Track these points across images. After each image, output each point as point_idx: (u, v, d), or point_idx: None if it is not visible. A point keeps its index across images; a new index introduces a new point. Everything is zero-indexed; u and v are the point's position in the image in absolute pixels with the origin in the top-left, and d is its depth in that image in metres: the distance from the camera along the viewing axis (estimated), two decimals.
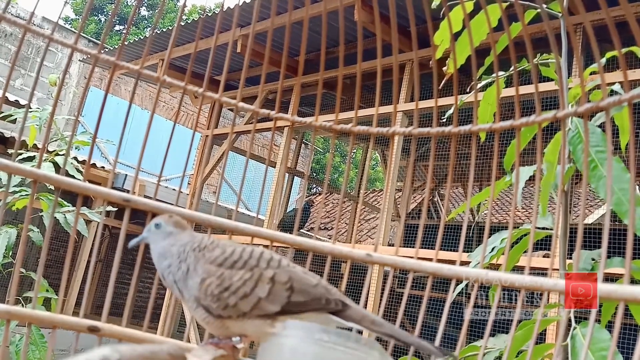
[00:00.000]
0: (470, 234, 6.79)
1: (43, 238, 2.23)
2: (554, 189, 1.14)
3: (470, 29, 0.87)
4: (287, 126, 5.63)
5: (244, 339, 0.74)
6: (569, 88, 1.19)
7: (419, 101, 1.01)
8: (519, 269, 1.03)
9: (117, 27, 18.08)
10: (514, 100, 0.84)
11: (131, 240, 0.83)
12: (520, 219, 8.63)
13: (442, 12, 0.96)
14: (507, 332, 0.81)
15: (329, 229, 10.60)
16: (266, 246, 0.97)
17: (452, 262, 0.82)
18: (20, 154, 2.18)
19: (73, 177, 2.01)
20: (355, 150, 13.72)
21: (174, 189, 8.42)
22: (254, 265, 0.71)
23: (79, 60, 9.73)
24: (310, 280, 0.72)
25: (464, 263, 0.92)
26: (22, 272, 1.97)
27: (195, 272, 0.72)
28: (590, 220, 7.57)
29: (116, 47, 9.51)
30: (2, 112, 2.29)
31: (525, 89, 3.70)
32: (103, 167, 7.74)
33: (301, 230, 8.14)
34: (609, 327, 0.90)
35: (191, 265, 0.73)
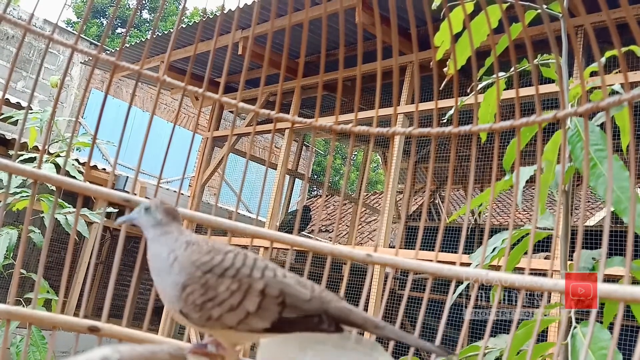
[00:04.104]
0: (471, 236, 6.79)
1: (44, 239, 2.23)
2: (554, 189, 1.14)
3: (471, 30, 0.87)
4: (287, 128, 5.64)
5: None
6: (570, 89, 1.19)
7: (419, 103, 1.01)
8: (519, 271, 1.03)
9: (118, 30, 18.12)
10: (515, 101, 0.84)
11: (131, 241, 0.83)
12: (521, 220, 8.63)
13: (442, 14, 0.96)
14: (507, 333, 0.81)
15: (330, 231, 10.60)
16: (266, 248, 0.97)
17: (452, 264, 0.82)
18: (21, 155, 2.18)
19: (74, 177, 2.01)
20: (356, 153, 13.73)
21: (174, 191, 8.42)
22: (246, 274, 0.65)
23: (81, 62, 9.75)
24: (304, 294, 0.66)
25: (465, 264, 0.92)
26: (23, 274, 1.97)
27: (179, 267, 0.66)
28: (591, 222, 7.57)
29: (117, 49, 9.52)
30: (3, 114, 2.30)
31: (526, 91, 3.70)
32: (104, 169, 7.75)
33: (302, 232, 8.14)
34: (610, 327, 0.90)
35: (179, 257, 0.67)
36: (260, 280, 0.65)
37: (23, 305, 2.21)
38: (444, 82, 1.27)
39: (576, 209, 6.30)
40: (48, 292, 2.29)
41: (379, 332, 0.66)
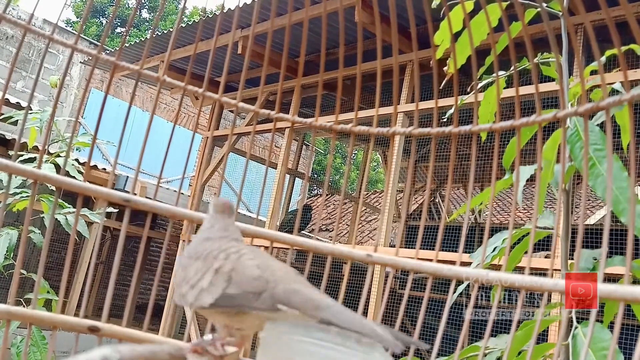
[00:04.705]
0: (472, 235, 6.79)
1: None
2: (555, 188, 1.14)
3: (471, 29, 0.87)
4: (287, 127, 5.64)
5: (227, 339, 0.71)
6: (570, 87, 1.19)
7: (419, 102, 1.01)
8: (520, 270, 1.03)
9: (118, 30, 18.12)
10: (515, 100, 0.84)
11: (132, 241, 0.84)
12: (521, 219, 8.63)
13: (442, 12, 0.96)
14: (508, 332, 0.81)
15: (330, 230, 10.60)
16: (266, 247, 0.97)
17: (453, 263, 0.82)
18: (21, 155, 2.18)
19: (74, 178, 2.01)
20: (356, 152, 13.73)
21: (175, 191, 8.43)
22: (213, 257, 0.69)
23: (80, 62, 9.75)
24: (253, 272, 0.66)
25: (465, 264, 0.92)
26: (23, 274, 1.97)
27: (185, 256, 0.73)
28: (591, 221, 7.57)
29: (117, 48, 9.51)
30: (3, 114, 2.29)
31: (526, 89, 3.71)
32: (104, 169, 7.75)
33: (302, 232, 8.15)
34: (611, 327, 0.90)
35: (190, 248, 0.73)
36: (221, 261, 0.68)
37: (23, 306, 2.21)
38: (444, 82, 1.27)
39: (576, 208, 6.30)
40: (48, 292, 2.30)
41: (319, 314, 0.61)
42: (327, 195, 10.16)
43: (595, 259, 1.10)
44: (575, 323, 1.03)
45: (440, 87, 1.12)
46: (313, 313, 0.61)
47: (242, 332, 0.71)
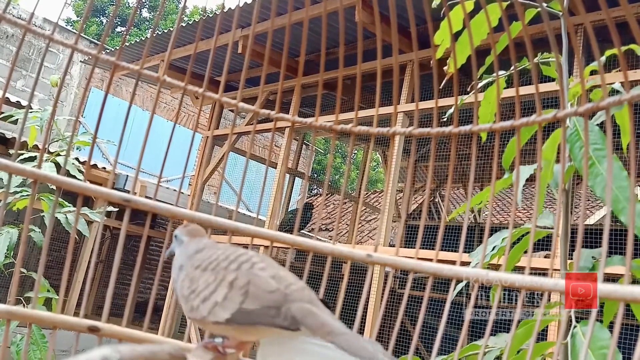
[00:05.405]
0: (471, 234, 6.79)
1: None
2: (554, 188, 1.14)
3: (471, 29, 0.87)
4: (287, 127, 5.64)
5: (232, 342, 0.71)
6: (570, 87, 1.19)
7: (419, 102, 1.01)
8: (519, 270, 1.03)
9: (118, 29, 18.11)
10: (515, 100, 0.84)
11: (131, 240, 0.84)
12: (521, 219, 8.63)
13: (442, 12, 0.96)
14: (508, 332, 0.81)
15: (330, 229, 10.60)
16: (266, 247, 0.97)
17: (453, 263, 0.82)
18: (21, 154, 2.18)
19: (74, 177, 2.01)
20: (356, 151, 13.73)
21: (174, 190, 8.43)
22: (224, 267, 0.67)
23: (80, 61, 9.75)
24: (270, 285, 0.65)
25: (465, 263, 0.92)
26: (23, 273, 1.97)
27: (184, 268, 0.72)
28: (591, 221, 7.57)
29: (117, 48, 9.51)
30: (3, 113, 2.30)
31: (526, 89, 3.71)
32: (104, 168, 7.74)
33: (302, 231, 8.14)
34: (610, 326, 0.90)
35: (183, 268, 0.72)
36: (233, 273, 0.66)
37: (23, 305, 2.21)
38: (444, 81, 1.27)
39: (576, 208, 6.30)
40: (48, 291, 2.30)
41: (331, 340, 0.61)
42: (327, 194, 10.16)
43: (595, 258, 1.10)
44: (574, 322, 1.03)
45: (440, 87, 1.12)
46: (326, 338, 0.62)
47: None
